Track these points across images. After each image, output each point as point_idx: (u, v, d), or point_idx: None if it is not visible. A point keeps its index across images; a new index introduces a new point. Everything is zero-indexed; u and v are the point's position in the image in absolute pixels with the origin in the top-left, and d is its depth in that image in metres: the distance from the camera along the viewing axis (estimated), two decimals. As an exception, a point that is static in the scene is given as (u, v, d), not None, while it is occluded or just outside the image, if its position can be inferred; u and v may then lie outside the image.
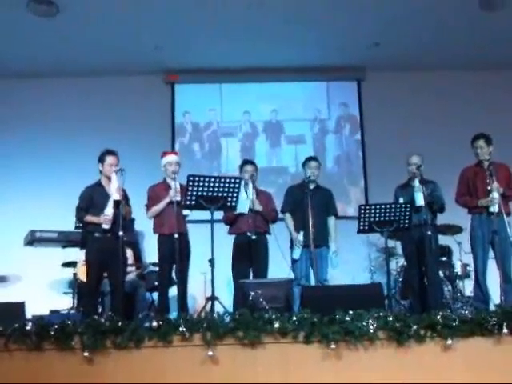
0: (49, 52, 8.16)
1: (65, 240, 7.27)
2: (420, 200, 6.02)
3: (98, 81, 8.71)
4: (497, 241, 5.73)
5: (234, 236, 6.32)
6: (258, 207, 6.19)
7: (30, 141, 8.63)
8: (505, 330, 4.44)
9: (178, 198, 5.70)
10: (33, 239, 7.21)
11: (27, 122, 8.65)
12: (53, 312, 6.85)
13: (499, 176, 5.87)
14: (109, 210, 5.55)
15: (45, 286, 7.91)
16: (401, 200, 6.16)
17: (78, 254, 6.78)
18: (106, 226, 5.54)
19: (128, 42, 8.03)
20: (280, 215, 6.51)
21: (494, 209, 5.77)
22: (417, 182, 6.12)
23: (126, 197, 5.75)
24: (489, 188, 5.83)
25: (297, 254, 6.22)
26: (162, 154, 6.18)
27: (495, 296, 5.98)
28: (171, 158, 6.11)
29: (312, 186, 6.41)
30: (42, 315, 5.30)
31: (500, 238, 5.71)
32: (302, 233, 6.18)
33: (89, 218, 5.66)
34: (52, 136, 8.62)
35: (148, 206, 6.02)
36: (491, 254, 5.94)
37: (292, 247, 6.33)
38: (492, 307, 5.61)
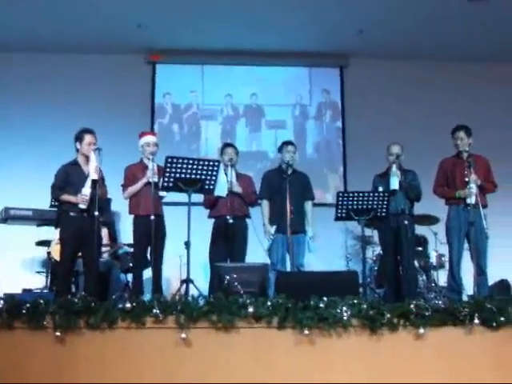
0: (28, 27, 7.99)
1: (39, 218, 7.19)
2: (395, 184, 6.05)
3: (78, 58, 8.57)
4: (472, 232, 5.77)
5: (212, 220, 6.29)
6: (238, 189, 6.16)
7: (5, 117, 8.48)
8: (476, 321, 4.49)
9: (156, 179, 5.66)
10: (7, 216, 7.12)
11: (1, 98, 8.49)
12: (25, 291, 6.79)
13: (477, 168, 5.91)
14: (86, 190, 5.48)
15: (18, 264, 7.82)
16: (380, 189, 6.17)
17: (52, 233, 6.71)
18: (82, 206, 5.47)
19: (110, 19, 7.91)
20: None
21: (471, 200, 5.80)
22: (394, 167, 6.14)
23: (101, 177, 5.68)
24: (467, 179, 5.87)
25: (267, 245, 6.20)
26: (140, 134, 6.11)
27: (469, 287, 6.04)
28: (149, 138, 6.05)
29: (289, 171, 6.37)
30: (14, 294, 5.25)
31: (476, 229, 5.75)
32: (274, 226, 6.17)
33: (65, 197, 5.57)
34: (28, 113, 8.49)
35: (124, 186, 5.97)
36: (466, 245, 5.99)
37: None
38: (465, 298, 5.68)
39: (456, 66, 8.91)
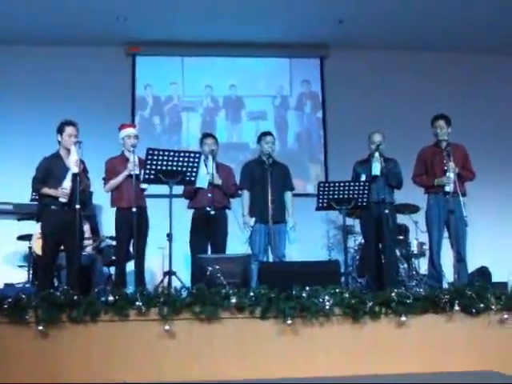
0: (6, 18, 7.90)
1: (20, 212, 7.16)
2: (377, 170, 6.08)
3: (57, 50, 8.49)
4: (452, 220, 5.82)
5: (192, 210, 6.29)
6: (218, 181, 6.15)
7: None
8: (456, 308, 4.57)
9: (137, 172, 5.64)
10: (-13, 211, 7.08)
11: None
12: (7, 285, 6.75)
13: (456, 156, 5.96)
14: (67, 183, 5.44)
15: (-1, 259, 7.78)
16: (362, 177, 6.20)
17: (33, 227, 6.67)
18: (63, 200, 5.44)
19: (89, 11, 7.82)
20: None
21: (450, 188, 5.86)
22: (376, 154, 6.16)
23: (85, 169, 5.65)
24: (445, 168, 5.92)
25: (246, 236, 6.21)
26: (120, 127, 6.07)
27: (449, 275, 6.11)
28: (130, 130, 6.01)
29: (269, 162, 6.36)
30: (-4, 288, 5.23)
31: (455, 217, 5.80)
32: (253, 219, 6.18)
33: (46, 191, 5.52)
34: (7, 105, 8.39)
35: (106, 179, 5.93)
36: (446, 233, 6.05)
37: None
38: (445, 285, 5.75)
39: (436, 56, 8.97)
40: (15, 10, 7.74)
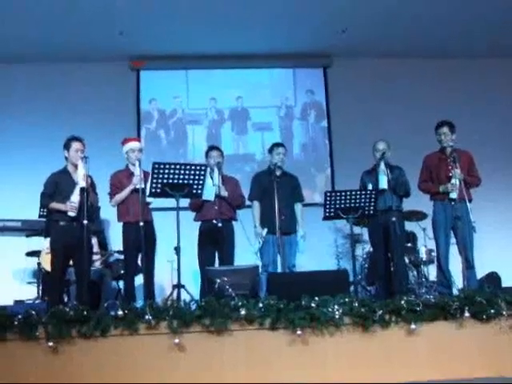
0: (9, 36, 7.96)
1: (28, 229, 7.17)
2: (384, 183, 6.08)
3: (62, 67, 8.55)
4: (459, 226, 5.80)
5: (199, 223, 6.30)
6: (224, 193, 6.16)
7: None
8: (466, 314, 4.54)
9: (143, 186, 5.65)
10: (-4, 228, 7.10)
11: (-14, 109, 8.47)
12: (17, 302, 6.75)
13: (461, 162, 5.95)
14: (75, 197, 5.47)
15: (9, 275, 7.78)
16: (369, 186, 6.19)
17: (41, 243, 6.70)
18: (71, 214, 5.46)
19: (92, 27, 7.88)
20: (248, 202, 6.50)
21: (455, 195, 5.85)
22: (382, 165, 6.17)
23: (92, 184, 5.68)
24: (450, 174, 5.91)
25: (257, 247, 6.21)
26: (123, 141, 6.07)
27: (458, 280, 6.08)
28: (133, 144, 6.02)
29: (279, 173, 6.40)
30: (6, 306, 5.22)
31: (462, 223, 5.78)
32: (265, 229, 6.19)
33: (54, 205, 5.55)
34: (13, 123, 8.44)
35: (111, 194, 5.93)
36: (453, 239, 6.03)
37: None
38: (455, 292, 5.72)
39: (441, 63, 8.96)
40: (21, 28, 7.80)
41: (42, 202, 5.69)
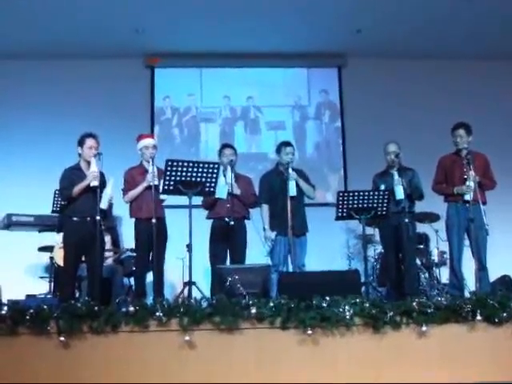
0: (26, 33, 8.00)
1: (41, 224, 7.21)
2: (400, 194, 6.04)
3: (77, 64, 8.57)
4: (472, 229, 5.77)
5: (211, 220, 6.29)
6: (237, 191, 6.12)
7: (6, 124, 8.49)
8: (478, 317, 4.51)
9: (156, 182, 5.65)
10: (9, 223, 7.14)
11: (2, 105, 8.51)
12: (29, 296, 6.80)
13: (476, 165, 5.91)
14: (93, 167, 5.45)
15: (21, 270, 7.83)
16: (382, 187, 6.15)
17: (54, 239, 6.73)
18: (95, 183, 5.41)
19: (108, 24, 7.92)
20: (257, 204, 6.47)
21: (469, 197, 5.82)
22: (396, 175, 6.13)
23: (104, 182, 5.64)
24: (465, 176, 5.88)
25: (268, 249, 6.18)
26: (137, 137, 6.09)
27: (471, 283, 6.05)
28: (148, 141, 6.03)
29: (288, 172, 6.22)
30: (18, 300, 5.27)
31: (475, 226, 5.75)
32: (274, 232, 6.15)
33: (77, 189, 5.47)
34: (28, 119, 8.48)
35: (124, 190, 5.95)
36: (467, 241, 6.00)
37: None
38: (467, 294, 5.69)
39: (455, 64, 8.91)
40: (36, 26, 7.86)
41: (64, 195, 5.62)
